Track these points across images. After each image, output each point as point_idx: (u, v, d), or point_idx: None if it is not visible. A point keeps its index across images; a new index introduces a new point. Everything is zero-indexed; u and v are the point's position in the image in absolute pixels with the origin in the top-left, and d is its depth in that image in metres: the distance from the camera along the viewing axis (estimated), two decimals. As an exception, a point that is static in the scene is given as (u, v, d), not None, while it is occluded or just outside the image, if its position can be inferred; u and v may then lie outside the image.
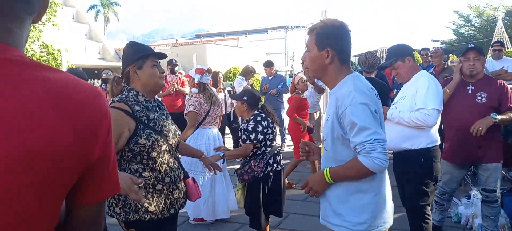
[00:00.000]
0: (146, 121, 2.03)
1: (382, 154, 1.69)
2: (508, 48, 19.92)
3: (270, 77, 7.64)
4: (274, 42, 29.79)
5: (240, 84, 7.21)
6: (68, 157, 0.72)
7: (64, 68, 12.96)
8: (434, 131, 2.93)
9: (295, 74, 6.26)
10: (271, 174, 3.21)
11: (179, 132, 2.29)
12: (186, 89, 7.11)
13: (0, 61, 0.67)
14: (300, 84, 5.40)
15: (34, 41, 13.19)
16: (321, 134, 2.16)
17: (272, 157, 3.25)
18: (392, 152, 3.06)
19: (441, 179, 3.44)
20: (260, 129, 3.17)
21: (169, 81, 7.03)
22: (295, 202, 4.66)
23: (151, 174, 2.04)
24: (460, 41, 29.67)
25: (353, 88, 1.77)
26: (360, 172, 1.75)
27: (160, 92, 2.90)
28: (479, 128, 3.02)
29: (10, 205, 0.67)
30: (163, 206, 2.09)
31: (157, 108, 2.17)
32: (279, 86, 7.44)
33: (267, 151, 3.22)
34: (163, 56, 2.24)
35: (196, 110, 4.01)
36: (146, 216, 2.03)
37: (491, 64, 5.28)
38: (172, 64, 7.32)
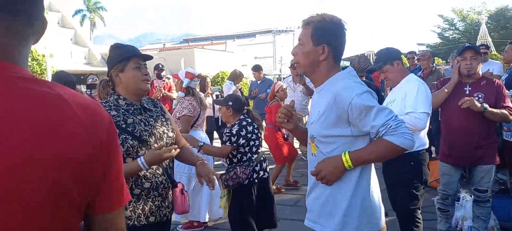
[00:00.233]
0: (123, 126, 1.96)
1: (408, 130, 1.64)
2: (492, 51, 20.28)
3: (258, 82, 7.61)
4: (262, 46, 29.80)
5: (228, 89, 7.17)
6: (86, 164, 0.77)
7: (49, 73, 12.74)
8: (423, 134, 2.93)
9: (282, 78, 6.26)
10: (257, 181, 3.16)
11: (171, 135, 2.16)
12: (173, 94, 7.04)
13: (20, 79, 0.73)
14: (280, 92, 5.43)
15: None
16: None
17: (259, 164, 3.20)
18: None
19: (440, 183, 3.44)
20: (243, 133, 3.12)
21: (156, 86, 6.95)
22: (285, 207, 4.62)
23: (129, 177, 1.96)
24: (445, 45, 30.17)
25: (353, 80, 1.73)
26: (390, 151, 1.65)
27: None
28: (467, 101, 3.02)
29: (41, 212, 0.71)
30: (140, 212, 2.00)
31: (142, 112, 2.08)
32: (268, 90, 7.41)
33: (253, 158, 3.17)
34: (147, 57, 2.12)
35: (191, 113, 3.95)
36: None
37: (477, 67, 5.33)
38: (158, 69, 7.24)
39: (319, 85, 1.82)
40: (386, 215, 2.11)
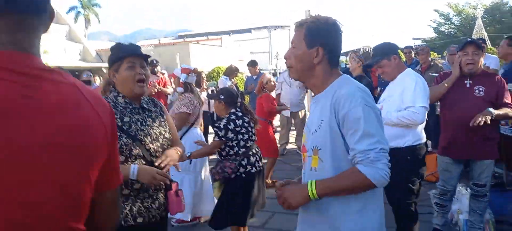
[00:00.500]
0: (119, 124, 1.93)
1: (387, 167, 1.48)
2: (488, 46, 20.34)
3: (254, 77, 7.58)
4: (258, 42, 29.76)
5: (224, 84, 7.14)
6: (101, 147, 0.88)
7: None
8: (420, 128, 2.92)
9: (279, 73, 6.28)
10: (243, 175, 3.10)
11: (167, 136, 2.13)
12: (168, 89, 6.99)
13: (42, 70, 0.81)
14: (268, 84, 5.48)
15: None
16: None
17: (246, 158, 3.13)
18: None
19: (440, 178, 3.41)
20: (231, 127, 3.08)
21: (151, 82, 6.89)
22: (281, 202, 4.59)
23: None
24: (441, 39, 30.22)
25: (355, 88, 1.57)
26: (358, 184, 1.48)
27: None
28: (479, 118, 2.94)
29: (74, 190, 0.83)
30: (128, 212, 1.97)
31: (141, 111, 2.06)
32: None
33: (240, 152, 3.12)
34: (142, 56, 2.05)
35: (189, 111, 3.91)
36: None
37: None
38: (153, 64, 7.18)
39: (318, 92, 1.68)
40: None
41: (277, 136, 6.45)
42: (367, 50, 6.47)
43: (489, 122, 2.95)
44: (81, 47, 23.16)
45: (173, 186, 2.14)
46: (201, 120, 4.30)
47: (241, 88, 10.22)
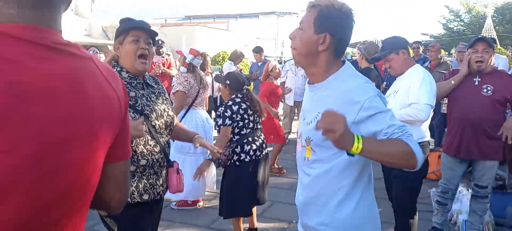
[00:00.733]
0: None
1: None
2: (497, 46, 20.13)
3: (259, 64, 7.54)
4: (265, 28, 29.54)
5: (228, 69, 7.11)
6: (117, 120, 0.89)
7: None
8: (425, 126, 2.89)
9: (284, 61, 6.23)
10: (237, 163, 3.07)
11: (171, 113, 2.13)
12: (173, 71, 6.95)
13: (66, 45, 0.81)
14: (274, 72, 5.40)
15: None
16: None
17: (239, 146, 3.07)
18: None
19: (442, 176, 3.39)
20: (228, 113, 3.05)
21: (155, 62, 6.85)
22: (279, 190, 4.60)
23: None
24: (449, 36, 29.90)
25: (364, 80, 1.53)
26: (404, 156, 1.37)
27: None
28: (508, 133, 2.87)
29: (89, 164, 0.83)
30: (134, 189, 1.97)
31: (145, 86, 2.05)
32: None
33: (234, 139, 3.09)
34: (148, 30, 1.98)
35: (185, 90, 3.86)
36: None
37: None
38: (157, 44, 7.13)
39: (317, 82, 1.60)
40: (379, 203, 2.05)
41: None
42: (375, 42, 6.40)
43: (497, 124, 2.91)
44: (87, 23, 23.07)
45: (175, 164, 2.14)
46: (204, 103, 4.26)
47: (246, 73, 10.17)
